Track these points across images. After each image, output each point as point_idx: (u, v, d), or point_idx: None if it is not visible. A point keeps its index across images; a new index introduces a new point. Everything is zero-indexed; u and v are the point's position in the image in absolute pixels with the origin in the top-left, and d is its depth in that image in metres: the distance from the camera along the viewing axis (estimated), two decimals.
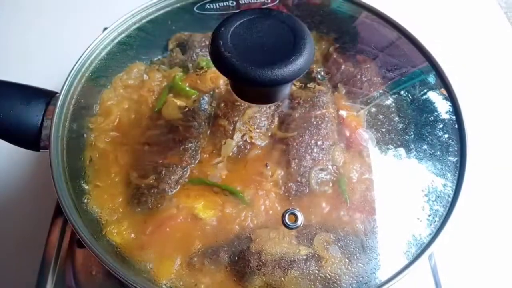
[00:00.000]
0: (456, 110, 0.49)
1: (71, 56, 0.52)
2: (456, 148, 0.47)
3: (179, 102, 0.50)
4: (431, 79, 0.52)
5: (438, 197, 0.45)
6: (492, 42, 0.84)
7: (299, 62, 0.38)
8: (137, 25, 0.55)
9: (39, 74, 0.70)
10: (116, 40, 0.54)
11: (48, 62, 0.78)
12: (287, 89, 0.45)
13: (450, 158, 0.47)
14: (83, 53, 0.51)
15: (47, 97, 0.48)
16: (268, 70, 0.37)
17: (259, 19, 0.40)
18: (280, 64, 0.37)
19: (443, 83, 0.51)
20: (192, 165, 0.46)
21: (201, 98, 0.50)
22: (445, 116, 0.50)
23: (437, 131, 0.49)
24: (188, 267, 0.42)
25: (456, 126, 0.48)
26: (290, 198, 0.44)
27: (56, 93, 0.49)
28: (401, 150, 0.47)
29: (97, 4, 0.86)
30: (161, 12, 0.56)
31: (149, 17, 0.56)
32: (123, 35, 0.55)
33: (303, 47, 0.38)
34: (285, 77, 0.37)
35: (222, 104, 0.49)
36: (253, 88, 0.41)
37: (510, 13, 0.97)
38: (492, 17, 0.88)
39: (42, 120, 0.47)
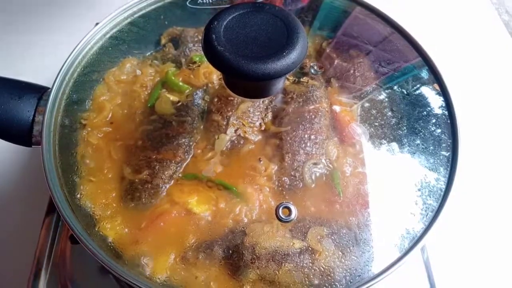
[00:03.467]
0: (448, 104, 0.49)
1: (62, 51, 0.51)
2: (448, 143, 0.47)
3: (172, 97, 0.49)
4: (424, 74, 0.53)
5: (431, 191, 0.45)
6: (483, 38, 0.85)
7: (292, 56, 0.38)
8: (129, 19, 0.55)
9: (30, 69, 0.70)
10: (108, 35, 0.54)
11: (40, 57, 0.77)
12: (280, 83, 0.45)
13: (442, 152, 0.47)
14: (75, 48, 0.51)
15: (39, 92, 0.48)
16: (261, 64, 0.37)
17: (252, 13, 0.40)
18: (273, 58, 0.37)
19: (436, 78, 0.51)
20: (186, 160, 0.46)
21: (194, 93, 0.50)
22: (437, 111, 0.50)
23: (430, 126, 0.49)
24: (183, 262, 0.42)
25: (449, 121, 0.49)
26: (284, 192, 0.44)
27: (48, 88, 0.48)
28: (394, 145, 0.48)
29: None
30: (153, 6, 0.56)
31: (141, 12, 0.56)
32: (115, 30, 0.54)
33: (296, 41, 0.38)
34: (278, 71, 0.37)
35: (216, 99, 0.49)
36: (246, 82, 0.41)
37: (501, 9, 0.97)
38: (483, 13, 0.89)
39: (34, 116, 0.47)
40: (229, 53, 0.37)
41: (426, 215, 0.44)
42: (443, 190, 0.44)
